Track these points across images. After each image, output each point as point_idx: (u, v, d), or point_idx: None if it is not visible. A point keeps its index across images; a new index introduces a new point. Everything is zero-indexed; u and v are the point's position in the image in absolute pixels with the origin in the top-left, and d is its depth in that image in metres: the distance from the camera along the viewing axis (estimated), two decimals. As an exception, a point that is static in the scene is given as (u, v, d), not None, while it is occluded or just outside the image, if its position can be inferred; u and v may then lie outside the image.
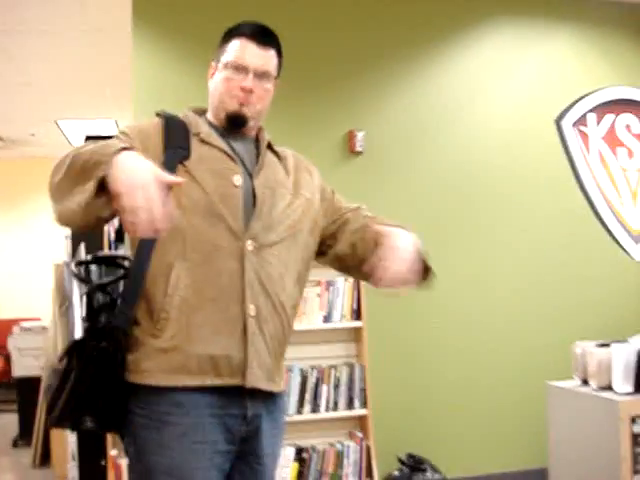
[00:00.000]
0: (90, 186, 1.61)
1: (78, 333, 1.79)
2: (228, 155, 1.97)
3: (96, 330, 1.80)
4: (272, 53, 2.06)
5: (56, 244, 7.30)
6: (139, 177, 1.57)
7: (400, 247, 1.96)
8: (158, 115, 2.02)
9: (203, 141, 1.97)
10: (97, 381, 1.78)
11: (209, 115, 2.07)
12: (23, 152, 9.57)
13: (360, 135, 4.71)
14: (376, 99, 4.85)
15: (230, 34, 2.06)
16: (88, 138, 4.27)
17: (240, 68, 1.99)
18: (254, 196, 1.96)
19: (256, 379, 1.88)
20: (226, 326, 1.85)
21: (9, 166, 9.89)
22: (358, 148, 4.70)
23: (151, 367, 1.80)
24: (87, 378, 1.77)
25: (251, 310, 1.87)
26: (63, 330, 1.82)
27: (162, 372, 1.80)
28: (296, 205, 2.05)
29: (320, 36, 4.77)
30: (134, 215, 1.55)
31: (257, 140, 2.11)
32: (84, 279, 1.89)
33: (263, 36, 2.04)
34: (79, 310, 1.83)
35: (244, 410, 1.90)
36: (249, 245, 1.89)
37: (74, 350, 1.78)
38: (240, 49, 2.01)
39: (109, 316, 1.83)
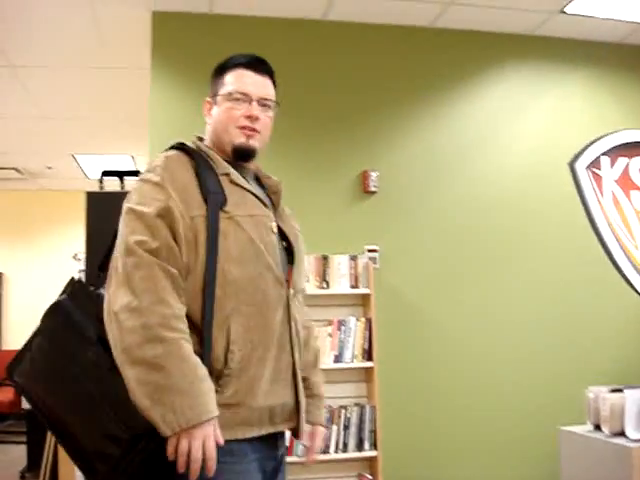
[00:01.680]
0: (159, 418, 1.64)
1: None
2: (259, 199, 1.98)
3: None
4: (269, 80, 2.08)
5: (70, 276, 7.32)
6: (205, 433, 1.67)
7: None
8: (180, 149, 1.96)
9: (233, 182, 1.94)
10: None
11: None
12: (40, 184, 9.65)
13: (374, 175, 4.73)
14: (390, 140, 4.87)
15: (224, 67, 2.06)
16: (105, 173, 4.32)
17: (242, 97, 1.99)
18: (283, 240, 2.01)
19: (303, 421, 1.97)
20: (279, 375, 1.89)
21: (26, 198, 9.97)
22: (372, 188, 4.71)
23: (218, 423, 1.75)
24: (155, 450, 1.69)
25: (297, 357, 1.93)
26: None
27: (224, 427, 1.76)
28: (304, 254, 2.13)
29: (335, 78, 4.81)
30: (186, 462, 1.66)
31: (256, 177, 2.12)
32: None
33: (259, 64, 2.05)
34: None
35: (277, 451, 1.98)
36: (291, 293, 1.94)
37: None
38: (239, 78, 2.02)
39: None
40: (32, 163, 8.54)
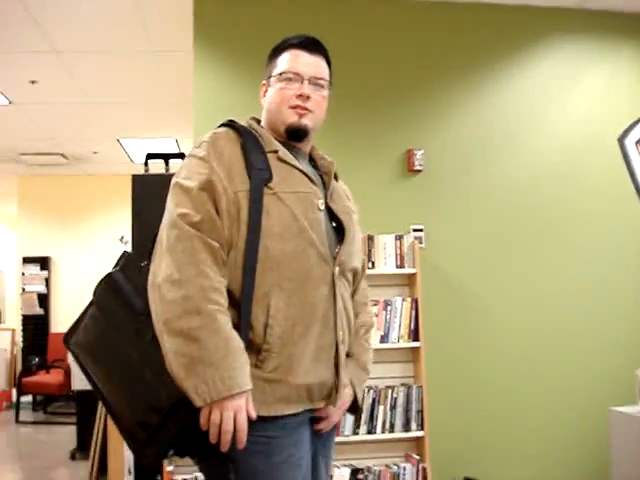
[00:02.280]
0: (193, 387, 1.68)
1: None
2: (307, 177, 1.97)
3: None
4: (323, 61, 2.06)
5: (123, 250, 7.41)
6: (236, 406, 1.70)
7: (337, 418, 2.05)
8: (230, 126, 1.98)
9: (280, 159, 1.95)
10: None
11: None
12: (86, 169, 9.77)
13: (419, 153, 4.69)
14: (435, 118, 4.83)
15: (278, 49, 2.07)
16: (150, 156, 4.34)
17: (294, 77, 1.99)
18: (332, 220, 2.00)
19: (339, 399, 1.97)
20: (322, 354, 1.89)
21: (72, 183, 10.11)
22: (417, 166, 4.68)
23: (256, 397, 1.78)
24: (193, 418, 1.73)
25: (340, 336, 1.93)
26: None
27: (265, 403, 1.80)
28: (359, 234, 2.14)
29: (380, 56, 4.78)
30: (217, 432, 1.71)
31: (311, 157, 2.12)
32: None
33: (312, 44, 2.05)
34: None
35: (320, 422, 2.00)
36: (337, 271, 1.93)
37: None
38: (292, 58, 2.02)
39: None
40: (78, 148, 8.64)
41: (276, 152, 1.95)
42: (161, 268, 1.75)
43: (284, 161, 1.95)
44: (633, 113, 5.10)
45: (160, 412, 1.70)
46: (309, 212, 1.91)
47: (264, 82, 2.08)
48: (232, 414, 1.69)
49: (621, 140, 5.04)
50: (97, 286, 1.90)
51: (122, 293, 1.85)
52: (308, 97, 1.99)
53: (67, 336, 1.94)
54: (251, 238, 1.81)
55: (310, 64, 2.02)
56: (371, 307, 2.27)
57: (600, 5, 5.02)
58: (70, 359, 6.63)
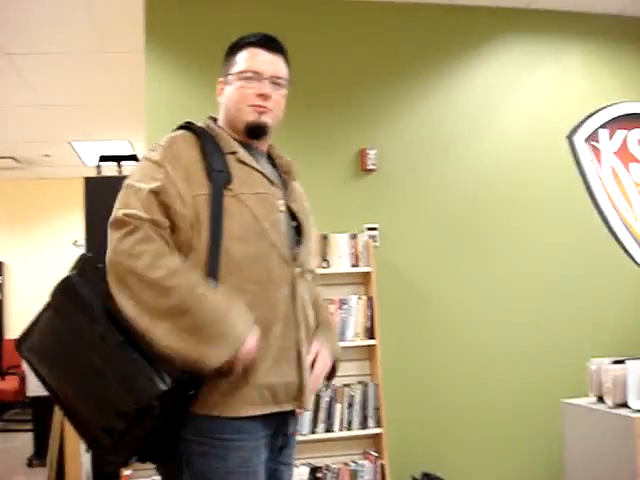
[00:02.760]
0: (206, 356, 1.71)
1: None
2: (267, 178, 1.97)
3: (185, 379, 1.75)
4: (282, 59, 2.06)
5: (69, 264, 7.34)
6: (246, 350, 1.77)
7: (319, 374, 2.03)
8: (187, 129, 1.97)
9: (240, 161, 1.94)
10: (168, 422, 1.77)
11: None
12: (38, 172, 9.64)
13: (372, 153, 4.72)
14: (388, 117, 4.86)
15: (235, 47, 2.05)
16: (102, 158, 4.31)
17: (254, 76, 1.98)
18: (293, 220, 2.01)
19: (309, 401, 1.96)
20: (284, 354, 1.89)
21: (24, 186, 9.95)
22: (370, 166, 4.71)
23: (217, 399, 1.79)
24: (157, 424, 1.74)
25: (302, 336, 1.93)
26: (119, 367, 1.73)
27: (227, 404, 1.80)
28: (315, 235, 2.16)
29: (331, 54, 4.80)
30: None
31: (269, 156, 2.11)
32: None
33: (271, 43, 2.04)
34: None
35: (287, 428, 2.00)
36: (297, 272, 1.94)
37: (161, 400, 1.69)
38: (250, 57, 2.01)
39: None
40: (29, 151, 8.51)
41: (235, 153, 1.95)
42: (119, 266, 1.75)
43: (243, 162, 1.95)
44: (582, 111, 5.20)
45: (125, 417, 1.68)
46: (269, 214, 1.92)
47: (221, 79, 2.06)
48: (243, 361, 1.76)
49: (570, 137, 5.14)
50: (54, 289, 1.85)
51: (81, 297, 1.80)
52: (268, 96, 1.99)
53: (20, 341, 1.88)
54: (212, 241, 1.81)
55: (269, 62, 2.01)
56: (327, 305, 2.29)
57: (549, 5, 5.11)
58: (24, 365, 6.53)
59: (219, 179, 1.86)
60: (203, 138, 1.93)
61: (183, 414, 1.79)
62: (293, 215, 2.02)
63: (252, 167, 1.96)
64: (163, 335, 1.70)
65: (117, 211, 1.80)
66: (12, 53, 5.33)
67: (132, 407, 1.67)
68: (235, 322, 1.75)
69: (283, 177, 2.09)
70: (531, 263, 4.97)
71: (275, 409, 1.89)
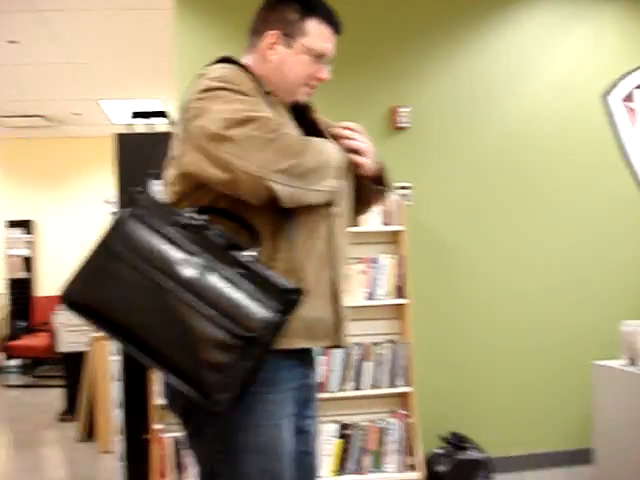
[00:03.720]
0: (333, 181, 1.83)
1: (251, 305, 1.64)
2: (293, 123, 1.96)
3: (292, 303, 1.70)
4: None
5: (101, 220, 7.39)
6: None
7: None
8: (231, 62, 1.90)
9: (275, 103, 1.91)
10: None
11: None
12: (67, 131, 9.68)
13: (404, 111, 4.67)
14: (421, 74, 4.79)
15: (308, 11, 1.94)
16: (135, 115, 4.30)
17: (322, 58, 1.96)
18: None
19: (345, 338, 1.96)
20: (318, 290, 1.86)
21: (53, 145, 10.01)
22: (402, 124, 4.66)
23: None
24: (263, 355, 1.66)
25: (339, 274, 1.92)
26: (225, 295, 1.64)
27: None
28: None
29: (363, 11, 4.72)
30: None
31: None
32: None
33: (339, 25, 1.99)
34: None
35: (310, 380, 2.00)
36: (336, 211, 1.91)
37: (268, 326, 1.64)
38: (324, 36, 1.95)
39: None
40: (58, 110, 8.54)
41: (269, 95, 1.91)
42: (250, 159, 1.70)
43: (279, 106, 1.93)
44: (617, 71, 5.08)
45: (229, 350, 1.60)
46: None
47: (275, 33, 1.93)
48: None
49: (605, 97, 5.03)
50: (112, 231, 1.70)
51: (155, 230, 1.69)
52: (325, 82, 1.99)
53: (83, 296, 1.70)
54: None
55: (333, 46, 1.99)
56: None
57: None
58: (58, 321, 6.62)
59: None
60: (253, 74, 1.89)
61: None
62: None
63: (281, 110, 1.93)
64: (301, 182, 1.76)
65: (214, 122, 1.73)
66: (42, 9, 5.31)
67: (240, 335, 1.60)
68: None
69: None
70: (563, 223, 4.90)
71: (310, 344, 1.87)
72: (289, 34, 1.93)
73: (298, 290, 1.70)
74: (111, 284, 1.67)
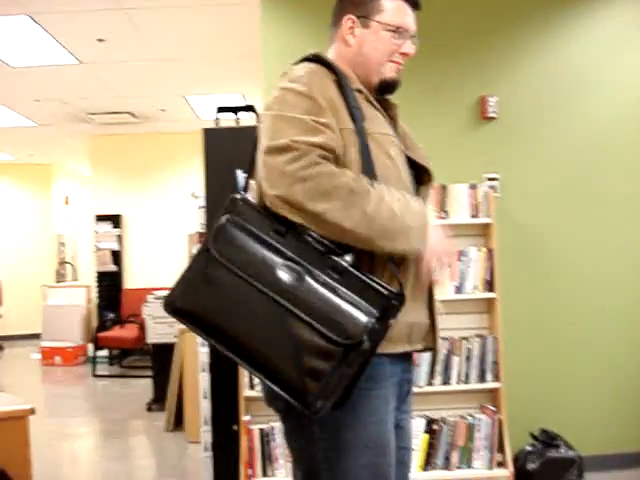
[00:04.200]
0: (399, 248, 1.73)
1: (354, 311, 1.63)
2: (385, 119, 1.93)
3: (393, 308, 1.69)
4: None
5: (188, 215, 7.52)
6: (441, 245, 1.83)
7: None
8: (317, 62, 1.88)
9: (367, 101, 1.90)
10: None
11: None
12: (154, 127, 9.86)
13: (493, 101, 4.58)
14: (509, 64, 4.70)
15: None
16: (220, 110, 4.33)
17: (403, 33, 1.93)
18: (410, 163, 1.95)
19: (439, 341, 1.98)
20: (418, 293, 1.87)
21: (142, 141, 10.22)
22: (491, 114, 4.58)
23: None
24: (365, 361, 1.65)
25: (432, 277, 1.90)
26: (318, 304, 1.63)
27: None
28: None
29: (454, 4, 4.65)
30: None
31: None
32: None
33: (418, 1, 1.98)
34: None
35: (409, 373, 2.00)
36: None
37: (369, 332, 1.62)
38: (402, 11, 1.94)
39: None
40: (146, 106, 8.71)
41: (361, 92, 1.90)
42: (298, 198, 1.66)
43: (370, 103, 1.91)
44: None
45: (328, 357, 1.59)
46: (398, 155, 1.88)
47: (352, 17, 1.94)
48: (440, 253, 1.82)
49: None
50: (215, 239, 1.71)
51: (256, 239, 1.70)
52: (411, 56, 1.97)
53: (186, 303, 1.71)
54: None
55: (414, 20, 1.97)
56: None
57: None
58: (147, 312, 6.76)
59: (359, 116, 1.81)
60: (338, 72, 1.86)
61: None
62: (409, 160, 1.97)
63: (376, 108, 1.91)
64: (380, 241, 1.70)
65: (274, 140, 1.72)
66: (128, 7, 5.40)
67: (340, 343, 1.60)
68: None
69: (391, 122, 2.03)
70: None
71: (408, 348, 1.87)
72: (365, 15, 1.93)
73: (399, 295, 1.68)
74: (214, 291, 1.68)
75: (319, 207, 1.65)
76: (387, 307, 1.66)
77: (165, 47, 6.42)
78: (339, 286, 1.65)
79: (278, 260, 1.67)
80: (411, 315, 1.83)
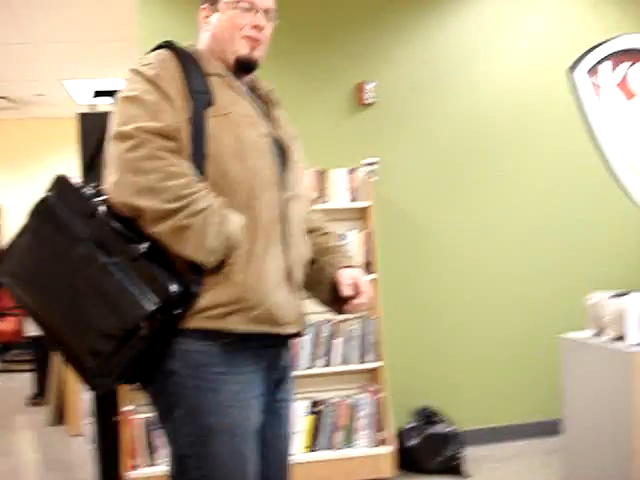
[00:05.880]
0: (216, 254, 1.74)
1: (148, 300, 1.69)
2: (247, 101, 1.94)
3: (173, 300, 1.72)
4: None
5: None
6: None
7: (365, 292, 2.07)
8: (167, 47, 1.91)
9: (227, 85, 1.91)
10: (156, 343, 1.76)
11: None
12: (32, 112, 9.55)
13: (370, 86, 4.64)
14: (386, 50, 4.76)
15: None
16: (97, 94, 4.23)
17: (249, 6, 1.93)
18: (278, 147, 1.95)
19: (305, 325, 1.99)
20: (277, 276, 1.86)
21: (19, 127, 9.89)
22: (368, 99, 4.64)
23: (221, 312, 1.79)
24: (145, 345, 1.72)
25: (295, 259, 1.92)
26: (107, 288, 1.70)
27: (230, 319, 1.79)
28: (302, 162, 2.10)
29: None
30: None
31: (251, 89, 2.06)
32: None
33: None
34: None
35: (280, 361, 1.99)
36: (286, 195, 1.91)
37: (149, 319, 1.68)
38: None
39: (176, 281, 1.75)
40: (22, 91, 8.43)
41: (221, 76, 1.91)
42: (124, 183, 1.72)
43: (230, 86, 1.91)
44: (583, 45, 5.07)
45: (111, 339, 1.68)
46: (256, 137, 1.88)
47: (205, 6, 1.99)
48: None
49: (570, 71, 5.04)
50: (31, 213, 1.83)
51: (60, 218, 1.77)
52: (263, 28, 1.94)
53: (2, 272, 1.86)
54: (195, 164, 1.79)
55: None
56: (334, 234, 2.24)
57: None
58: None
59: (200, 101, 1.82)
60: (183, 57, 1.88)
61: (172, 333, 1.77)
62: (278, 142, 1.97)
63: (238, 93, 1.92)
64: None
65: (121, 125, 1.75)
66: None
67: (119, 328, 1.67)
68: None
69: (264, 108, 2.04)
70: (530, 198, 4.93)
71: (274, 330, 1.86)
72: (212, 1, 1.97)
73: (186, 288, 1.73)
74: (17, 260, 1.84)
75: (141, 202, 1.70)
76: (168, 298, 1.70)
77: (41, 30, 6.22)
78: (130, 272, 1.70)
79: (76, 240, 1.73)
80: (270, 297, 1.83)
